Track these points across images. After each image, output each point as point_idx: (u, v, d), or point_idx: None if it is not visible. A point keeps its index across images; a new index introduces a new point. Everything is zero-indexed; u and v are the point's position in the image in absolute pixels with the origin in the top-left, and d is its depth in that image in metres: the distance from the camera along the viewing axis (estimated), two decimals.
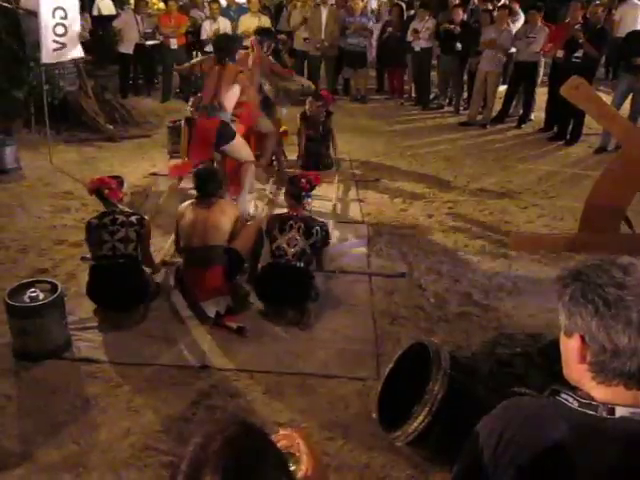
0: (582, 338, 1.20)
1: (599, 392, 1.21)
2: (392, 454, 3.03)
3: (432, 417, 2.00)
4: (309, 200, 4.41)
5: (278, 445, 1.39)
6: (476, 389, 2.20)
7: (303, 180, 4.33)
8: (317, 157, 6.87)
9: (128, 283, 4.03)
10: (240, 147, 5.55)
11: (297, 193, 4.29)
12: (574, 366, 1.25)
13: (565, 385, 1.31)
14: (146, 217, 4.17)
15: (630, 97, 8.04)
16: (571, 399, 1.23)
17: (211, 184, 4.24)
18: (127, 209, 4.20)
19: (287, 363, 3.72)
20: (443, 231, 5.62)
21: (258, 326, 4.09)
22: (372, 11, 11.87)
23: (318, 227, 4.21)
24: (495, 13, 9.26)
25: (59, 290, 3.74)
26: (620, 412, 1.18)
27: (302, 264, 4.14)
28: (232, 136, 5.39)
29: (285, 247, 4.13)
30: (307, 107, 6.84)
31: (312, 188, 4.38)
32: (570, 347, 1.24)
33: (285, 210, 4.49)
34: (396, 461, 3.00)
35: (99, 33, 9.98)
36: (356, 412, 3.32)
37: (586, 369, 1.22)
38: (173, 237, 4.73)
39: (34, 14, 7.16)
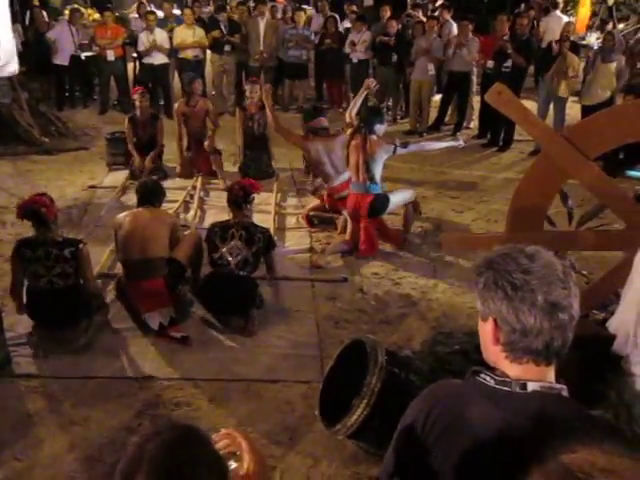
0: (495, 321, 1.32)
1: (512, 370, 1.33)
2: (338, 453, 3.11)
3: (370, 409, 2.09)
4: (249, 207, 4.43)
5: (219, 444, 1.44)
6: (412, 381, 2.31)
7: (238, 187, 4.36)
8: (257, 165, 6.95)
9: (68, 306, 3.90)
10: None
11: (235, 200, 4.31)
12: (490, 348, 1.36)
13: (486, 367, 1.42)
14: (80, 245, 3.88)
15: (552, 104, 8.49)
16: (488, 378, 1.35)
17: (154, 195, 4.25)
18: (59, 237, 3.92)
19: (232, 370, 3.76)
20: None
21: (202, 334, 4.11)
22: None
23: (260, 234, 4.23)
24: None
25: None
26: (532, 387, 1.30)
27: (245, 272, 4.18)
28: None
29: (227, 256, 4.15)
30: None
31: (247, 195, 4.36)
32: (486, 331, 1.36)
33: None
34: (341, 460, 3.08)
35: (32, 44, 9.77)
36: (301, 414, 3.39)
37: (500, 350, 1.33)
38: (111, 248, 4.70)
39: None
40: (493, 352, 1.36)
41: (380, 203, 5.29)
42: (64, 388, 3.56)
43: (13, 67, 7.26)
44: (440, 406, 1.37)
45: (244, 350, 3.97)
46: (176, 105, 7.50)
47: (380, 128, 5.38)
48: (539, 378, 1.32)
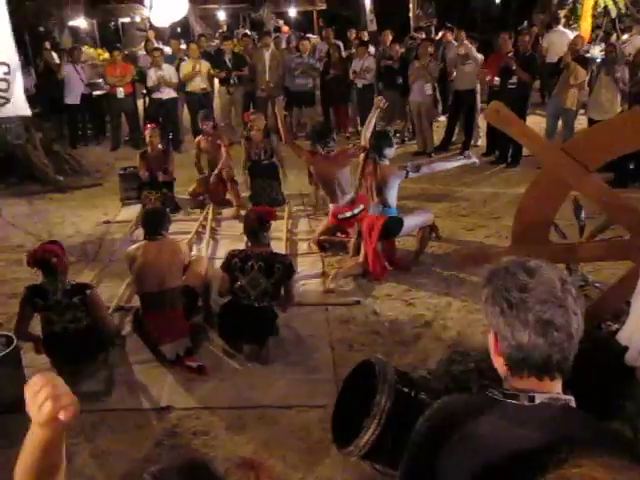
0: (495, 334, 1.35)
1: (518, 383, 1.34)
2: (356, 477, 3.10)
3: (381, 428, 2.10)
4: (265, 234, 4.38)
5: (240, 475, 1.45)
6: (423, 399, 2.31)
7: (253, 216, 4.37)
8: (267, 192, 7.02)
9: (84, 346, 3.95)
10: None
11: (252, 228, 4.29)
12: (495, 359, 1.39)
13: (494, 383, 1.44)
14: (88, 291, 3.92)
15: (561, 120, 8.54)
16: (497, 392, 1.36)
17: (158, 223, 4.30)
18: (67, 284, 3.91)
19: (247, 397, 3.77)
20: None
21: (217, 363, 4.14)
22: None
23: (280, 264, 4.18)
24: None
25: (14, 342, 3.72)
26: (539, 398, 1.31)
27: (265, 303, 4.18)
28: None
29: (248, 288, 4.14)
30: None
31: (263, 222, 4.34)
32: (490, 342, 1.39)
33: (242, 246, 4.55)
34: None
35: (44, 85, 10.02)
36: (318, 439, 3.38)
37: (503, 363, 1.35)
38: (128, 281, 4.77)
39: None
40: (498, 362, 1.38)
41: (393, 225, 5.31)
42: (82, 422, 3.58)
43: (24, 110, 7.43)
44: (449, 422, 1.38)
45: (259, 377, 3.99)
46: (196, 140, 7.70)
47: (390, 152, 5.41)
48: (546, 390, 1.33)
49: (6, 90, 7.04)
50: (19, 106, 7.30)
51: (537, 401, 1.31)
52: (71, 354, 3.94)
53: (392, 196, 5.36)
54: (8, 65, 7.14)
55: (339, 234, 6.14)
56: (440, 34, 11.48)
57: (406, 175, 5.37)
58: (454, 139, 9.83)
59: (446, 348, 4.23)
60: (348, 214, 5.86)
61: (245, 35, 11.84)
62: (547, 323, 1.27)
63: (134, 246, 4.35)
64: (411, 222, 5.45)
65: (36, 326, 4.15)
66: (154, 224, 4.29)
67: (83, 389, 3.88)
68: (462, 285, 5.18)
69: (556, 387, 1.35)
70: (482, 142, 9.65)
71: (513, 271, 1.32)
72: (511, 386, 1.35)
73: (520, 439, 1.27)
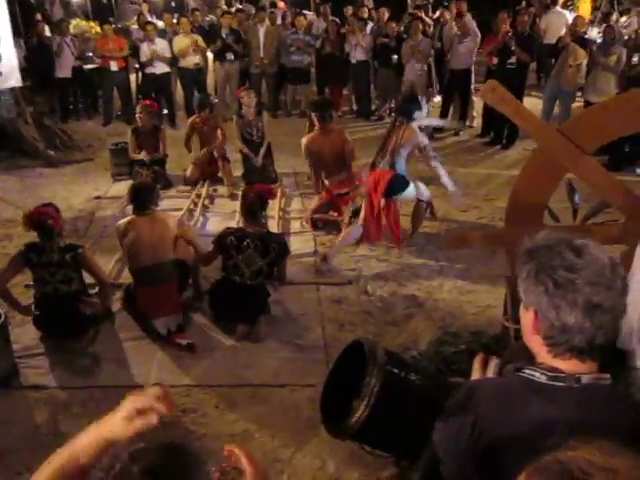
0: (536, 313, 1.30)
1: (559, 364, 1.30)
2: (345, 456, 3.11)
3: (370, 409, 2.09)
4: (263, 213, 4.38)
5: (227, 463, 1.43)
6: (412, 380, 2.30)
7: (254, 194, 4.33)
8: (259, 170, 6.97)
9: (75, 314, 3.97)
10: None
11: (251, 208, 4.28)
12: (531, 337, 1.35)
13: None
14: (79, 250, 3.97)
15: (558, 102, 8.49)
16: (537, 374, 1.31)
17: (147, 197, 4.25)
18: (61, 243, 3.97)
19: (238, 375, 3.77)
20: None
21: (207, 340, 4.13)
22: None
23: (275, 244, 4.21)
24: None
25: (1, 318, 3.69)
26: (585, 380, 1.28)
27: (259, 281, 4.19)
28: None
29: (242, 267, 4.14)
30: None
31: (264, 202, 4.36)
32: (526, 319, 1.34)
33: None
34: (348, 462, 3.08)
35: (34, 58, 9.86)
36: (308, 418, 3.39)
37: (541, 342, 1.31)
38: (117, 257, 4.73)
39: None
40: (533, 341, 1.34)
41: (398, 182, 5.26)
42: (72, 398, 3.59)
43: (15, 81, 7.31)
44: (487, 408, 1.32)
45: (250, 355, 3.98)
46: (189, 120, 7.59)
47: (419, 114, 5.35)
48: (588, 371, 1.30)
49: None
50: (11, 78, 7.18)
51: (583, 382, 1.28)
52: (61, 325, 3.94)
53: (403, 158, 5.32)
54: None
55: (332, 213, 6.11)
56: (438, 13, 11.35)
57: (426, 148, 5.38)
58: (449, 119, 9.76)
59: (437, 329, 4.25)
60: (343, 191, 5.83)
61: (239, 10, 11.66)
62: (596, 306, 1.23)
63: (124, 220, 4.31)
64: (414, 188, 5.44)
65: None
66: (143, 199, 4.25)
67: (72, 365, 3.87)
68: (454, 266, 5.17)
69: (595, 367, 1.31)
70: (477, 123, 9.60)
71: (559, 249, 1.28)
72: (552, 367, 1.31)
73: (571, 423, 1.23)
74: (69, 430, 3.31)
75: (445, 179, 5.66)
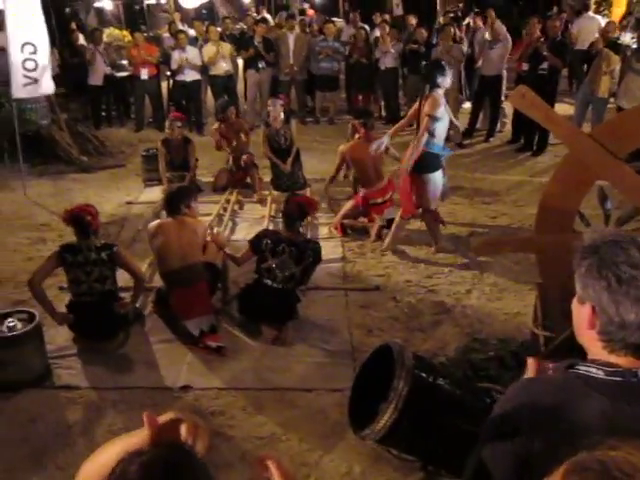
0: (593, 308, 1.28)
1: (616, 360, 1.28)
2: (371, 461, 3.11)
3: (398, 413, 2.09)
4: (303, 224, 4.42)
5: (258, 471, 1.44)
6: (440, 385, 2.30)
7: (294, 204, 4.36)
8: (288, 177, 7.00)
9: (107, 317, 4.05)
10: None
11: (290, 216, 4.32)
12: (584, 332, 1.32)
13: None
14: (115, 248, 4.09)
15: (590, 108, 8.40)
16: (594, 370, 1.29)
17: (178, 200, 4.34)
18: (97, 242, 4.09)
19: (266, 378, 3.79)
20: (414, 243, 5.74)
21: (236, 343, 4.17)
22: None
23: (310, 251, 4.26)
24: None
25: (37, 319, 3.78)
26: None
27: (290, 287, 4.22)
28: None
29: (276, 270, 4.18)
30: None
31: (303, 214, 4.40)
32: (581, 314, 1.32)
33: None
34: (375, 467, 3.08)
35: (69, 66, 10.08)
36: (335, 422, 3.39)
37: (596, 338, 1.29)
38: (149, 261, 4.80)
39: (3, 50, 7.24)
40: (587, 336, 1.32)
41: (427, 160, 5.14)
42: (103, 399, 3.64)
43: (49, 88, 7.46)
44: (542, 407, 1.28)
45: (278, 359, 4.00)
46: (213, 126, 7.66)
47: (443, 81, 5.16)
48: None
49: (33, 70, 7.07)
50: (46, 86, 7.33)
51: None
52: (94, 326, 4.02)
53: (438, 128, 5.15)
54: (35, 45, 7.18)
55: (362, 219, 6.10)
56: (468, 19, 11.31)
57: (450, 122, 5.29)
58: (478, 125, 9.70)
59: (465, 336, 4.22)
60: (379, 200, 5.84)
61: (263, 20, 11.75)
62: None
63: (155, 222, 4.40)
64: (441, 177, 5.33)
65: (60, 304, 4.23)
66: (174, 202, 4.34)
67: (103, 366, 3.94)
68: (483, 272, 5.14)
69: None
70: (507, 128, 9.51)
71: (624, 245, 1.26)
72: (609, 362, 1.28)
73: (633, 418, 1.21)
74: (100, 430, 3.39)
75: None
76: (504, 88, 9.32)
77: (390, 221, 5.70)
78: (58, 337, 4.16)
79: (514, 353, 3.75)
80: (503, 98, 9.23)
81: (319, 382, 3.76)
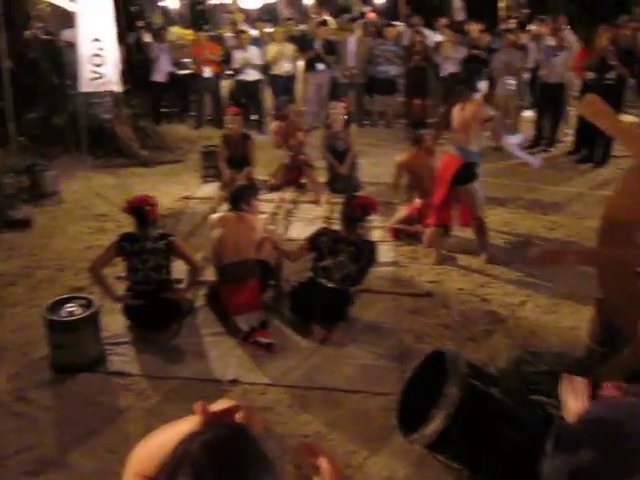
0: None
1: None
2: (415, 467, 3.08)
3: (449, 420, 2.06)
4: (363, 225, 4.38)
5: (302, 459, 1.44)
6: (493, 395, 2.25)
7: (358, 205, 4.32)
8: (343, 179, 7.00)
9: (162, 305, 4.15)
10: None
11: (352, 217, 4.30)
12: None
13: None
14: (172, 237, 4.22)
15: None
16: None
17: (240, 199, 4.43)
18: (156, 232, 4.22)
19: (313, 378, 3.80)
20: (469, 251, 5.65)
21: (285, 341, 4.19)
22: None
23: (368, 251, 4.25)
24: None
25: (94, 306, 3.89)
26: None
27: (345, 287, 4.22)
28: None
29: (333, 270, 4.18)
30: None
31: (366, 214, 4.36)
32: None
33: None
34: (419, 473, 3.05)
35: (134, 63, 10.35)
36: (380, 426, 3.37)
37: None
38: (203, 255, 4.89)
39: (72, 46, 7.51)
40: None
41: (467, 171, 5.07)
42: (153, 387, 3.72)
43: (116, 85, 7.71)
44: (623, 431, 1.21)
45: (325, 359, 4.01)
46: (272, 125, 7.74)
47: (482, 85, 5.09)
48: None
49: (100, 65, 7.32)
50: (111, 82, 7.57)
51: None
52: (149, 313, 4.11)
53: (477, 136, 5.09)
54: (103, 42, 7.42)
55: (417, 225, 6.03)
56: (532, 26, 11.08)
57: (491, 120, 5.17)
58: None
59: (517, 347, 4.13)
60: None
61: (324, 22, 11.79)
62: None
63: (216, 214, 4.52)
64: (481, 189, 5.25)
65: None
66: (236, 198, 4.44)
67: (155, 355, 4.02)
68: (538, 284, 5.02)
69: None
70: (569, 138, 9.27)
71: None
72: None
73: None
74: (149, 417, 3.46)
75: (522, 155, 5.47)
76: (569, 96, 9.10)
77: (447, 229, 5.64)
78: (113, 324, 4.27)
79: (568, 368, 3.64)
80: (570, 107, 9.02)
81: (366, 384, 3.75)
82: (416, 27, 10.95)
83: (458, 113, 5.15)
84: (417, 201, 5.97)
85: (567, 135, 9.39)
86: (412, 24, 11.40)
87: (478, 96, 5.12)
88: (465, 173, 5.10)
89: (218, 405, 1.32)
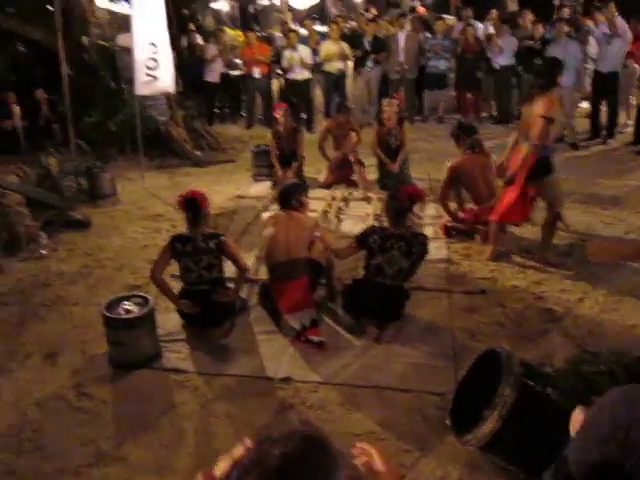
0: None
1: None
2: (469, 467, 3.02)
3: (502, 421, 2.01)
4: (411, 216, 4.29)
5: (356, 460, 1.43)
6: (548, 395, 2.19)
7: (405, 195, 4.24)
8: (395, 176, 6.96)
9: (215, 305, 4.20)
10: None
11: (401, 209, 4.21)
12: None
13: None
14: (222, 237, 4.22)
15: None
16: None
17: (290, 197, 4.45)
18: (206, 231, 4.25)
19: (365, 376, 3.78)
20: (524, 249, 5.53)
21: (337, 339, 4.19)
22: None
23: (419, 244, 4.18)
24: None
25: (151, 304, 3.99)
26: None
27: (399, 283, 4.19)
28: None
29: (385, 266, 4.15)
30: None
31: (414, 203, 4.27)
32: None
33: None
34: (473, 475, 2.99)
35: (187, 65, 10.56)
36: (433, 425, 3.34)
37: None
38: (256, 253, 4.94)
39: (128, 50, 7.70)
40: None
41: (541, 165, 4.88)
42: (207, 384, 3.78)
43: (170, 87, 7.87)
44: None
45: (378, 357, 3.98)
46: (325, 123, 7.78)
47: (563, 80, 4.88)
48: None
49: (154, 69, 7.47)
50: (165, 84, 7.72)
51: None
52: (202, 313, 4.18)
53: (550, 131, 4.86)
54: (157, 45, 7.57)
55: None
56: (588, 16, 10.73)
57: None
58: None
59: (575, 347, 4.02)
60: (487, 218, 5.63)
61: (374, 19, 11.72)
62: None
63: (268, 213, 4.54)
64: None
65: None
66: (287, 196, 4.46)
67: (209, 353, 4.09)
68: (598, 281, 4.87)
69: None
70: (630, 129, 8.96)
71: None
72: None
73: None
74: (203, 413, 3.52)
75: None
76: (633, 86, 8.78)
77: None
78: (168, 322, 4.36)
79: (627, 367, 3.52)
80: (631, 97, 8.71)
81: (418, 383, 3.71)
82: (468, 20, 10.77)
83: (530, 107, 4.96)
84: (470, 206, 5.82)
85: (627, 126, 9.07)
86: (463, 17, 11.22)
87: (556, 91, 4.92)
88: (541, 168, 4.93)
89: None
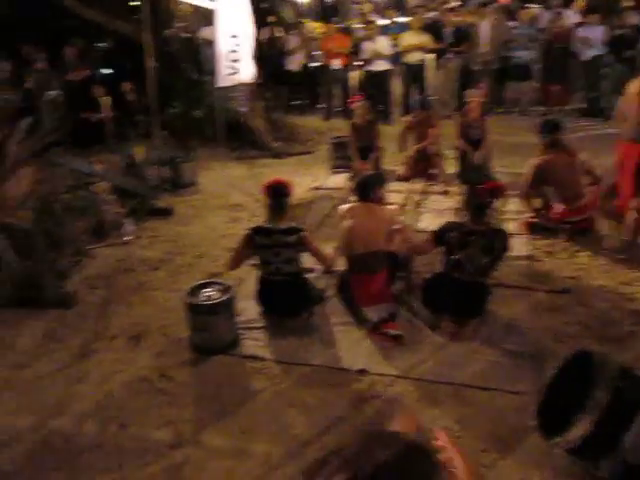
0: None
1: None
2: (553, 472, 2.92)
3: (595, 425, 1.92)
4: (490, 212, 4.18)
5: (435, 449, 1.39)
6: None
7: (486, 191, 4.12)
8: (475, 169, 6.80)
9: (293, 295, 4.24)
10: None
11: (481, 204, 4.10)
12: None
13: None
14: (302, 232, 4.17)
15: None
16: None
17: (367, 186, 4.41)
18: (287, 224, 4.20)
19: (442, 372, 3.72)
20: (613, 247, 5.28)
21: (414, 333, 4.14)
22: None
23: (500, 241, 4.06)
24: None
25: (231, 291, 4.07)
26: None
27: (479, 279, 4.10)
28: None
29: (465, 262, 4.05)
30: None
31: (493, 198, 4.14)
32: None
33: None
34: (555, 477, 2.90)
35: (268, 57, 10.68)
36: (513, 426, 3.24)
37: None
38: (334, 245, 4.94)
39: (211, 43, 7.87)
40: None
41: None
42: (285, 372, 3.83)
43: (250, 77, 7.98)
44: None
45: (456, 354, 3.91)
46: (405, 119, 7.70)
47: None
48: None
49: (236, 61, 7.61)
50: (247, 76, 7.85)
51: None
52: (280, 303, 4.24)
53: None
54: (239, 37, 7.70)
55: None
56: None
57: None
58: None
59: None
60: (576, 219, 5.43)
61: (452, 9, 11.47)
62: None
63: (346, 205, 4.51)
64: None
65: None
66: (364, 187, 4.41)
67: (286, 342, 4.13)
68: None
69: None
70: None
71: None
72: None
73: None
74: (281, 401, 3.56)
75: None
76: None
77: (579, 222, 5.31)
78: (247, 310, 4.43)
79: None
80: None
81: (498, 382, 3.61)
82: (556, 8, 10.36)
83: (634, 98, 4.73)
84: (557, 206, 5.58)
85: None
86: (552, 5, 10.81)
87: None
88: None
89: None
